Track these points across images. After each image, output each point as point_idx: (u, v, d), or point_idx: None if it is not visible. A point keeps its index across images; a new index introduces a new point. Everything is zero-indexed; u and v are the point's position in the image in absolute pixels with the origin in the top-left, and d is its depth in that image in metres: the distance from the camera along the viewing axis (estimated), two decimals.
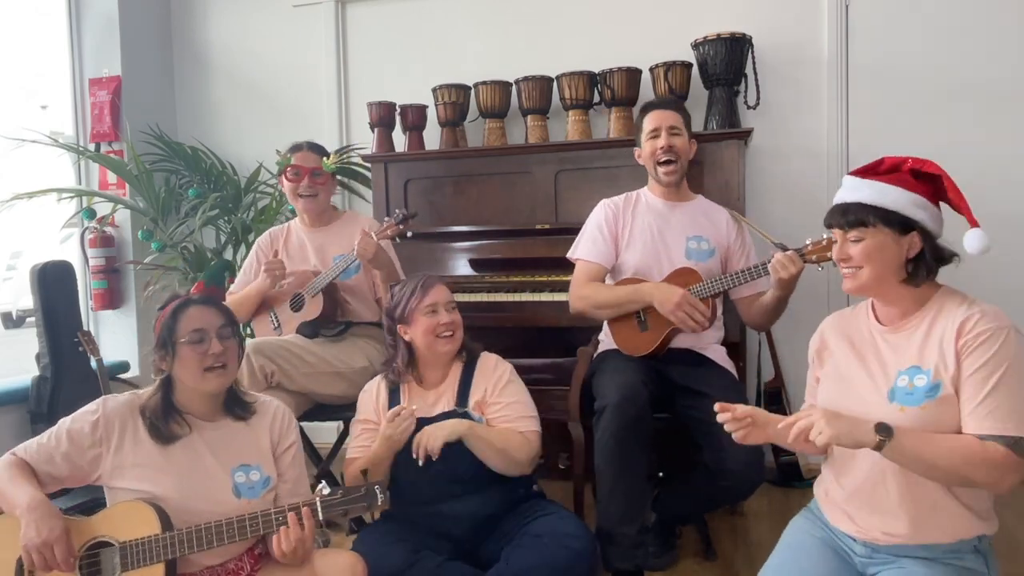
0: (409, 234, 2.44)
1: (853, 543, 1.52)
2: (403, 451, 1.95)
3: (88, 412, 1.64)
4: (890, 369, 1.47)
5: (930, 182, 1.49)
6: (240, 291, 2.70)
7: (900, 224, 1.44)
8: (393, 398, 2.05)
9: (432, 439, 1.87)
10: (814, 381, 1.65)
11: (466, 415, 1.98)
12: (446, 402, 2.02)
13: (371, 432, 2.03)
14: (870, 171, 1.51)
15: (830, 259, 2.01)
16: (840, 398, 1.52)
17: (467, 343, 2.09)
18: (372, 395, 2.09)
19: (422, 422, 1.96)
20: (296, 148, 2.68)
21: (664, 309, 2.16)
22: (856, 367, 1.52)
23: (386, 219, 2.43)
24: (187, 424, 1.66)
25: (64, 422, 1.63)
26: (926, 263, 1.45)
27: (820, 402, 1.59)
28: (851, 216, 1.46)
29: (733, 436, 1.51)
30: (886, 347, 1.50)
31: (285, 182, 2.66)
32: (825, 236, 2.04)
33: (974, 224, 1.49)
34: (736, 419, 1.50)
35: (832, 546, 1.54)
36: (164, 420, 1.63)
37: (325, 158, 2.66)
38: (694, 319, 2.14)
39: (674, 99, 2.59)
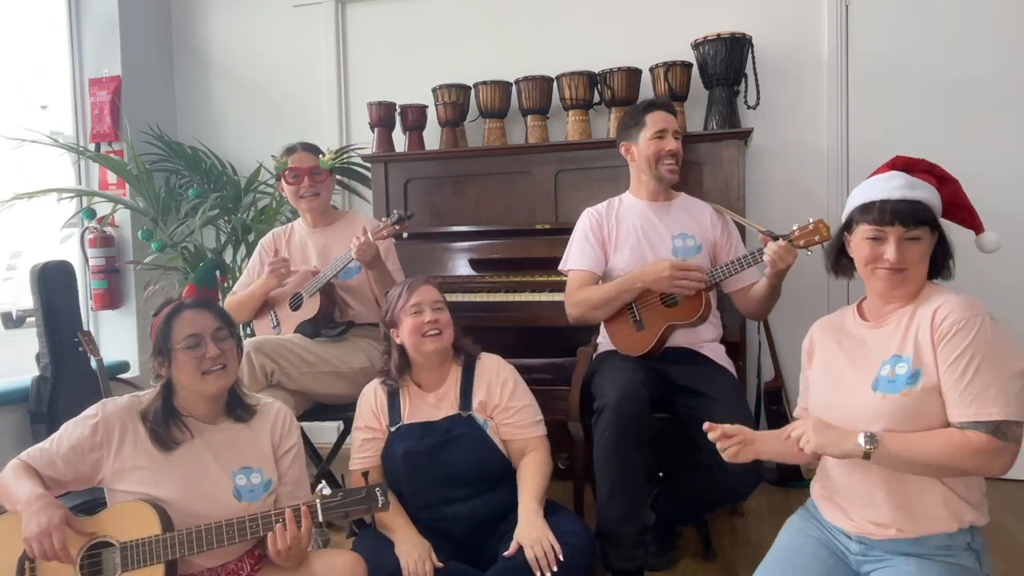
0: (405, 235, 2.43)
1: (848, 541, 1.52)
2: (399, 459, 1.95)
3: (88, 416, 1.64)
4: (873, 361, 1.49)
5: (945, 184, 1.52)
6: (243, 292, 2.69)
7: (936, 224, 1.47)
8: (392, 402, 2.04)
9: (546, 543, 1.76)
10: (805, 382, 1.67)
11: (471, 419, 1.98)
12: (449, 405, 2.01)
13: (373, 442, 2.02)
14: (909, 168, 1.51)
15: (818, 242, 2.02)
16: (828, 393, 1.55)
17: (463, 344, 2.08)
18: (370, 399, 2.07)
19: (425, 427, 1.96)
20: (290, 150, 2.66)
21: (659, 286, 2.18)
22: (843, 363, 1.54)
23: (383, 220, 2.42)
24: (188, 429, 1.66)
25: (66, 426, 1.64)
26: (949, 257, 1.49)
27: (811, 400, 1.61)
28: (918, 215, 1.43)
29: (723, 455, 1.52)
30: (871, 341, 1.52)
31: (285, 186, 2.65)
32: (811, 220, 2.04)
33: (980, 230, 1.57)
34: (726, 436, 1.51)
35: (828, 546, 1.55)
36: (165, 426, 1.63)
37: (321, 155, 2.66)
38: (692, 280, 2.16)
39: (671, 102, 2.60)
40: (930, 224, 1.45)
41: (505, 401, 2.01)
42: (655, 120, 2.38)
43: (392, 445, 2.00)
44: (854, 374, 1.51)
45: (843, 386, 1.52)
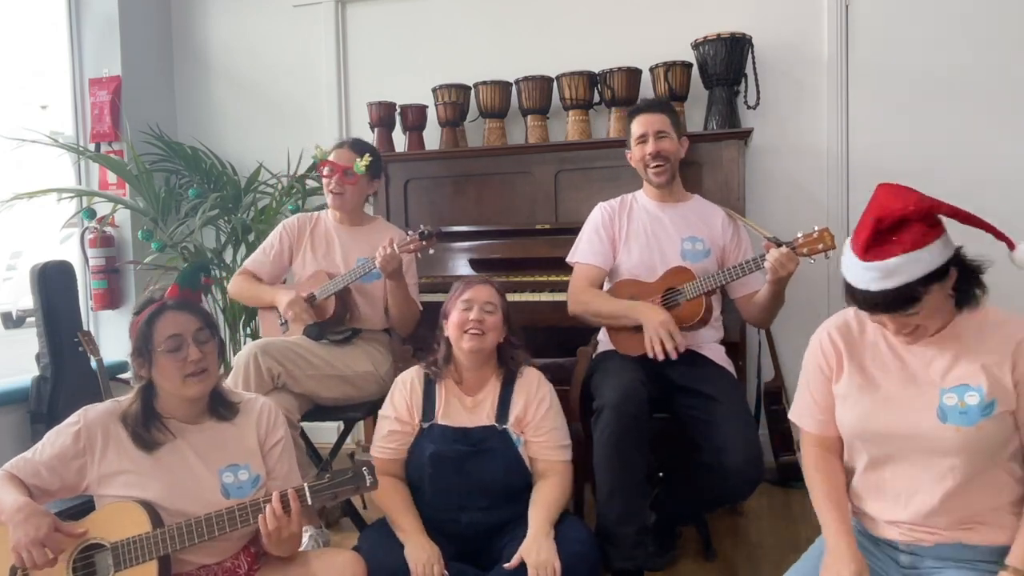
0: (432, 251, 2.44)
1: (896, 552, 1.48)
2: (426, 459, 1.93)
3: (70, 423, 1.63)
4: (928, 384, 1.43)
5: (936, 212, 1.39)
6: (255, 271, 2.69)
7: (943, 272, 1.36)
8: (428, 393, 2.01)
9: (550, 569, 1.75)
10: (826, 389, 1.56)
11: (505, 433, 1.96)
12: (485, 414, 1.99)
13: (400, 435, 1.99)
14: (884, 241, 1.34)
15: (821, 251, 2.02)
16: (882, 420, 1.46)
17: (510, 354, 2.05)
18: (405, 389, 2.03)
19: (458, 432, 1.95)
20: (338, 144, 2.67)
21: (648, 327, 2.17)
22: (886, 383, 1.47)
23: (409, 234, 2.42)
24: (170, 431, 1.65)
25: (49, 435, 1.63)
26: (975, 282, 1.41)
27: (856, 419, 1.50)
28: (902, 301, 1.34)
29: None
30: (913, 360, 1.46)
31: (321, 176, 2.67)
32: (816, 228, 2.03)
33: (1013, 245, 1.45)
34: None
35: (870, 564, 1.48)
36: (146, 428, 1.62)
37: (359, 159, 2.61)
38: (667, 345, 2.11)
39: (660, 100, 2.57)
40: (923, 296, 1.33)
41: (539, 419, 1.99)
42: (637, 125, 2.40)
43: (421, 443, 1.97)
44: (908, 398, 1.44)
45: (900, 413, 1.44)
